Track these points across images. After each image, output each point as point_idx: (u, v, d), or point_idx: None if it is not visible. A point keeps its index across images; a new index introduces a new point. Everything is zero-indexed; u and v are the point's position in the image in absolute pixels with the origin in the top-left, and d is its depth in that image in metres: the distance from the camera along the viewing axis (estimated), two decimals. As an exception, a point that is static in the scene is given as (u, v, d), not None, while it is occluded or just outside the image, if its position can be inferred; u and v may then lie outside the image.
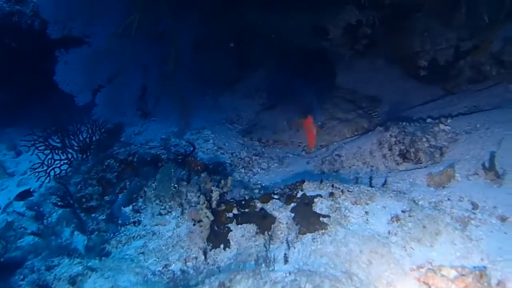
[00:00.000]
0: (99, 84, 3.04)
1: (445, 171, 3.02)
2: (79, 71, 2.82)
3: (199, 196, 2.91)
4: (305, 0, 4.92)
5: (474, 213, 2.65)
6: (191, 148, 3.87)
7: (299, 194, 2.95)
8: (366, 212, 2.73)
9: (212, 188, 2.82)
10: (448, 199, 2.82)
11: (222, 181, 2.98)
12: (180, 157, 3.67)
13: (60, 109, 4.83)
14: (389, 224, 2.61)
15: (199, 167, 3.58)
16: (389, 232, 2.54)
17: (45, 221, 3.82)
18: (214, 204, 2.79)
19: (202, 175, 2.87)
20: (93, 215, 3.70)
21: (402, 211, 2.69)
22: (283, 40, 5.18)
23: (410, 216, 2.64)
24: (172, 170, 3.11)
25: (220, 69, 4.95)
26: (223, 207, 2.89)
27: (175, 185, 3.02)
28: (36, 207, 4.03)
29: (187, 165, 3.43)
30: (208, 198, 2.76)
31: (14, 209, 4.24)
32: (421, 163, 3.44)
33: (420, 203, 2.82)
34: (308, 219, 2.71)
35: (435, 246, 2.44)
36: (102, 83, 3.04)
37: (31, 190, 4.24)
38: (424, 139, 3.52)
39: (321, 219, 2.67)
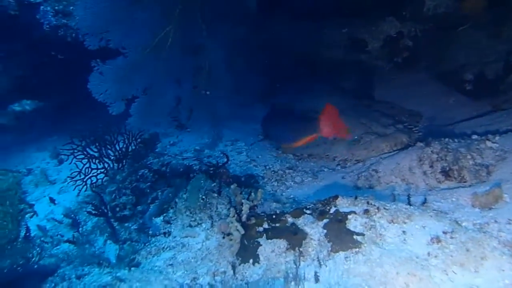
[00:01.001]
0: (133, 95, 3.10)
1: (492, 191, 2.84)
2: (114, 82, 2.90)
3: (229, 209, 2.88)
4: (342, 11, 4.87)
5: (524, 237, 2.47)
6: (224, 160, 3.86)
7: (332, 210, 2.86)
8: (404, 232, 2.60)
9: (243, 201, 2.78)
10: (495, 221, 2.64)
11: (252, 193, 2.94)
12: (212, 168, 3.68)
13: (95, 119, 5.03)
14: (428, 245, 2.47)
15: (230, 179, 3.56)
16: (428, 254, 2.41)
17: (80, 229, 3.92)
18: (244, 218, 2.75)
19: (232, 186, 2.85)
20: (126, 224, 3.77)
21: (444, 232, 2.54)
22: (317, 53, 5.13)
23: (452, 237, 2.49)
24: (202, 182, 3.11)
25: (253, 82, 4.96)
26: (253, 220, 2.84)
27: (203, 197, 3.01)
28: (73, 215, 4.14)
29: (218, 177, 3.42)
30: (238, 211, 2.72)
31: (53, 216, 4.39)
32: (465, 182, 3.25)
33: (463, 224, 2.65)
34: (341, 237, 2.62)
35: (480, 272, 2.28)
36: (136, 94, 3.10)
37: (54, 199, 4.40)
38: (469, 157, 3.34)
39: (355, 237, 2.58)
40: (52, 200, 4.57)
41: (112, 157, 4.55)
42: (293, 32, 5.24)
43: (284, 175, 4.64)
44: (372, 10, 4.67)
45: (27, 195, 5.29)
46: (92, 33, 2.77)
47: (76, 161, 4.23)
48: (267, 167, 4.78)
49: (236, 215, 2.68)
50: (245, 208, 2.75)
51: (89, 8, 2.72)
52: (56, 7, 5.06)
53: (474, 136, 3.73)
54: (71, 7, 4.53)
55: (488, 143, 3.49)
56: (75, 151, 4.19)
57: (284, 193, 4.23)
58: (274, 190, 4.30)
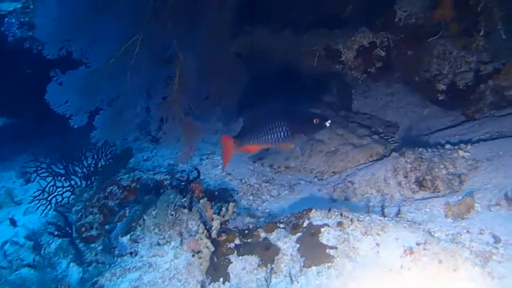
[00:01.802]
0: (98, 107, 3.03)
1: (464, 200, 2.87)
2: (75, 92, 2.82)
3: (200, 225, 2.82)
4: (319, 23, 4.94)
5: (496, 247, 2.48)
6: (196, 174, 3.81)
7: (306, 223, 2.83)
8: (377, 244, 2.58)
9: (213, 216, 2.73)
10: (467, 232, 2.66)
11: (224, 208, 2.89)
12: (183, 183, 3.62)
13: (67, 134, 4.91)
14: (402, 258, 2.46)
15: (202, 194, 3.51)
16: (401, 266, 2.39)
17: (43, 251, 3.78)
18: (214, 234, 2.70)
19: (201, 201, 2.79)
20: (92, 245, 3.66)
21: (417, 244, 2.53)
22: (296, 63, 5.17)
23: (425, 249, 2.49)
24: (171, 197, 3.04)
25: (230, 93, 4.94)
26: (224, 236, 2.79)
27: (172, 213, 2.94)
28: (36, 237, 4.00)
29: (189, 192, 3.36)
30: (208, 227, 2.67)
31: (15, 239, 4.23)
32: (438, 191, 3.29)
33: (436, 235, 2.66)
34: (313, 251, 2.58)
35: (452, 284, 2.27)
36: (101, 105, 3.03)
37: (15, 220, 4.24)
38: (442, 166, 3.38)
39: (327, 250, 2.55)
40: (13, 222, 4.40)
41: (80, 174, 4.45)
42: (272, 42, 5.28)
43: (260, 189, 4.61)
44: (348, 21, 4.74)
45: (-10, 217, 5.11)
46: (51, 42, 2.70)
47: (40, 179, 4.10)
48: (243, 180, 4.75)
49: (205, 232, 2.62)
50: (216, 224, 2.70)
51: (49, 16, 2.66)
52: (22, 19, 4.98)
53: (448, 146, 3.79)
54: (36, 18, 4.44)
55: (461, 152, 3.55)
56: (39, 168, 4.07)
57: (259, 207, 4.20)
58: (250, 205, 4.26)
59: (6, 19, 5.21)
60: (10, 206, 5.51)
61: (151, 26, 3.01)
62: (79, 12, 2.74)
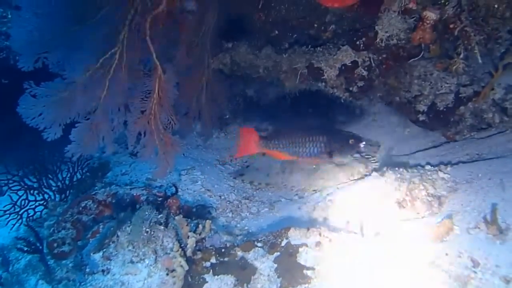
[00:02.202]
0: (74, 120, 2.95)
1: (443, 222, 2.87)
2: (49, 105, 2.74)
3: (174, 242, 2.75)
4: (301, 42, 4.98)
5: (474, 271, 2.47)
6: (174, 190, 3.73)
7: (284, 243, 2.79)
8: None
9: (189, 233, 2.66)
10: (446, 254, 2.65)
11: (200, 225, 2.83)
12: (160, 199, 3.54)
13: (44, 147, 4.77)
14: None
15: (179, 210, 3.43)
16: (380, 289, 2.37)
17: (11, 268, 3.62)
18: (189, 252, 2.62)
19: (177, 218, 2.73)
20: (64, 261, 3.52)
21: (395, 266, 2.52)
22: (277, 82, 5.18)
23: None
24: (147, 213, 2.96)
25: (211, 109, 4.91)
26: (199, 255, 2.72)
27: (147, 230, 2.86)
28: (4, 253, 3.84)
29: (166, 208, 3.29)
30: (183, 245, 2.60)
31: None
32: (418, 213, 3.28)
33: (415, 257, 2.65)
34: (291, 271, 2.54)
35: (430, 307, 2.26)
36: (77, 118, 2.96)
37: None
38: (422, 187, 3.39)
39: (305, 271, 2.51)
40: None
41: (54, 188, 4.32)
42: (253, 59, 5.28)
43: (239, 206, 4.55)
44: (331, 40, 4.79)
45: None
46: (26, 54, 2.63)
47: (11, 192, 3.96)
48: (222, 197, 4.68)
49: (180, 250, 2.55)
50: (191, 242, 2.63)
51: (24, 27, 2.60)
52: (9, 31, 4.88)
53: (428, 167, 3.81)
54: (13, 28, 4.36)
55: (440, 174, 3.57)
56: (10, 181, 3.93)
57: (238, 225, 4.13)
58: (228, 222, 4.19)
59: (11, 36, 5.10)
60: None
61: (129, 40, 2.96)
62: (56, 23, 2.68)
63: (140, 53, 3.19)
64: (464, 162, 3.92)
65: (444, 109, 4.60)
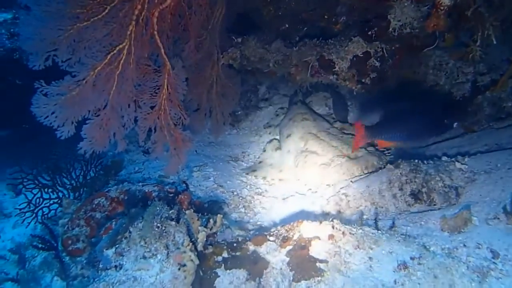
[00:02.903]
0: (85, 117, 2.97)
1: (460, 214, 2.80)
2: (61, 103, 2.76)
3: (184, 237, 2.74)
4: (312, 35, 4.92)
5: (494, 262, 2.41)
6: (184, 186, 3.73)
7: (296, 236, 2.76)
8: (370, 258, 2.52)
9: (199, 228, 2.65)
10: (464, 246, 2.59)
11: (211, 220, 2.81)
12: (171, 195, 3.54)
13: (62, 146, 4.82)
14: (395, 273, 2.39)
15: (191, 206, 3.43)
16: (395, 282, 2.33)
17: (28, 265, 3.67)
18: (200, 246, 2.61)
19: (187, 212, 2.71)
20: (78, 258, 3.56)
21: (411, 258, 2.47)
22: (288, 75, 5.14)
23: (419, 264, 2.42)
24: (158, 209, 2.96)
25: (221, 105, 4.90)
26: (210, 249, 2.71)
27: (158, 225, 2.86)
28: (20, 250, 3.90)
29: (177, 204, 3.29)
30: (193, 240, 2.59)
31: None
32: (435, 204, 3.22)
33: (431, 249, 2.59)
34: (303, 265, 2.51)
35: (448, 300, 2.20)
36: (87, 115, 2.98)
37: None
38: (438, 178, 3.32)
39: (317, 264, 2.47)
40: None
41: (68, 186, 4.37)
42: (263, 53, 5.25)
43: (252, 201, 4.53)
44: (342, 32, 4.72)
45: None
46: (36, 53, 2.66)
47: (26, 191, 4.02)
48: (235, 193, 4.67)
49: (190, 244, 2.54)
50: (201, 236, 2.62)
51: (32, 25, 2.63)
52: (12, 30, 4.95)
53: (444, 158, 3.73)
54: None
55: (458, 165, 3.49)
56: (25, 180, 3.99)
57: (251, 220, 4.12)
58: (241, 217, 4.17)
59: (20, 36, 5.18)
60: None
61: (137, 35, 2.97)
62: (64, 21, 2.70)
63: (148, 49, 3.20)
64: (482, 153, 3.82)
65: (461, 99, 4.50)
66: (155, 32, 3.15)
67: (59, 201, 4.19)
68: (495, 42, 3.38)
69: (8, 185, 6.19)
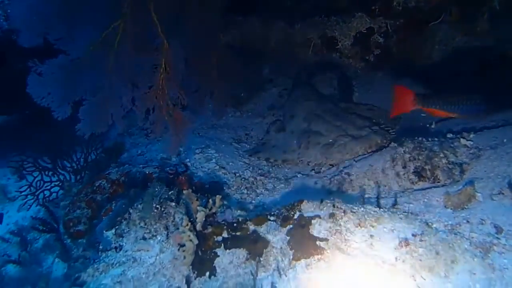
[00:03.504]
0: (81, 98, 2.94)
1: (464, 190, 2.76)
2: (56, 83, 2.73)
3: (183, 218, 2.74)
4: (314, 12, 4.82)
5: (497, 238, 2.38)
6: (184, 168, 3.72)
7: (296, 215, 2.74)
8: (371, 236, 2.49)
9: (197, 208, 2.64)
10: (467, 222, 2.55)
11: (211, 200, 2.80)
12: (172, 176, 3.54)
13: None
14: (396, 250, 2.36)
15: (188, 186, 3.42)
16: (396, 259, 2.30)
17: (30, 247, 3.71)
18: (199, 226, 2.61)
19: (185, 192, 2.70)
20: (80, 240, 3.59)
21: (413, 235, 2.44)
22: (290, 54, 5.06)
23: (421, 240, 2.39)
24: (157, 189, 2.96)
25: (222, 85, 4.83)
26: (210, 229, 2.70)
27: (157, 206, 2.86)
28: (22, 233, 3.93)
29: (177, 185, 3.28)
30: (192, 220, 2.58)
31: (1, 235, 4.17)
32: (438, 181, 3.17)
33: (434, 226, 2.56)
34: (303, 243, 2.49)
35: (450, 277, 2.18)
36: (84, 96, 2.95)
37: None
38: (442, 155, 3.27)
39: (318, 243, 2.45)
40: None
41: (68, 169, 4.38)
42: (265, 32, 5.17)
43: (255, 182, 4.51)
44: (345, 8, 4.62)
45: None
46: (27, 29, 2.61)
47: (26, 174, 4.03)
48: (237, 174, 4.65)
49: (189, 224, 2.53)
50: (200, 216, 2.61)
51: (24, 1, 2.58)
52: (9, 10, 4.89)
53: (449, 135, 3.67)
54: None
55: (463, 141, 3.43)
56: (24, 163, 4.00)
57: (253, 201, 4.11)
58: (243, 198, 4.17)
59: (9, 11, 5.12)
60: (3, 203, 5.47)
61: (133, 12, 2.91)
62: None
63: (145, 27, 3.14)
64: (489, 128, 3.75)
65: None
66: (152, 10, 3.09)
67: (60, 184, 4.21)
68: (498, 8, 3.28)
69: (12, 169, 6.25)
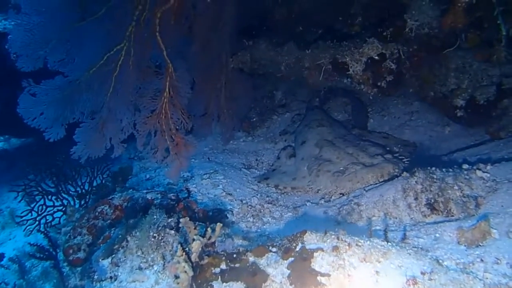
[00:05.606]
0: (78, 119, 2.94)
1: (478, 225, 2.62)
2: (50, 104, 2.74)
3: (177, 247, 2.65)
4: (326, 37, 4.82)
5: (514, 279, 2.23)
6: (191, 194, 3.67)
7: (299, 247, 2.64)
8: (377, 272, 2.37)
9: (194, 237, 2.57)
10: (481, 261, 2.41)
11: (209, 228, 2.72)
12: (174, 202, 3.48)
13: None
14: (403, 288, 2.23)
15: (194, 213, 3.35)
16: (402, 299, 2.17)
17: (28, 275, 3.66)
18: (194, 257, 2.52)
19: (182, 220, 2.63)
20: (78, 268, 3.52)
21: (422, 273, 2.31)
22: (301, 79, 5.04)
23: (430, 279, 2.26)
24: (155, 217, 2.90)
25: (230, 110, 4.83)
26: (206, 260, 2.61)
27: (155, 235, 2.80)
28: (20, 260, 3.88)
29: (178, 212, 3.22)
30: (187, 249, 2.50)
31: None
32: (452, 215, 3.03)
33: (445, 263, 2.42)
34: (304, 278, 2.38)
35: (461, 320, 2.03)
36: (81, 118, 2.94)
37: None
38: (456, 187, 3.13)
39: (319, 278, 2.34)
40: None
41: (72, 193, 4.37)
42: (275, 56, 5.17)
43: (262, 210, 4.42)
44: (357, 33, 4.60)
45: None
46: (26, 54, 2.64)
47: (27, 198, 4.03)
48: (244, 201, 4.57)
49: (183, 254, 2.45)
50: (196, 246, 2.53)
51: (22, 26, 2.62)
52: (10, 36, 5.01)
53: (465, 165, 3.53)
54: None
55: (479, 173, 3.29)
56: (27, 187, 4.00)
57: (259, 230, 4.01)
58: (249, 227, 4.07)
59: (9, 36, 5.27)
60: (12, 227, 5.48)
61: (137, 35, 2.93)
62: (57, 20, 2.68)
63: (150, 50, 3.16)
64: (507, 160, 3.60)
65: (485, 103, 4.29)
66: (157, 33, 3.12)
67: (63, 209, 4.19)
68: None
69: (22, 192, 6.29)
